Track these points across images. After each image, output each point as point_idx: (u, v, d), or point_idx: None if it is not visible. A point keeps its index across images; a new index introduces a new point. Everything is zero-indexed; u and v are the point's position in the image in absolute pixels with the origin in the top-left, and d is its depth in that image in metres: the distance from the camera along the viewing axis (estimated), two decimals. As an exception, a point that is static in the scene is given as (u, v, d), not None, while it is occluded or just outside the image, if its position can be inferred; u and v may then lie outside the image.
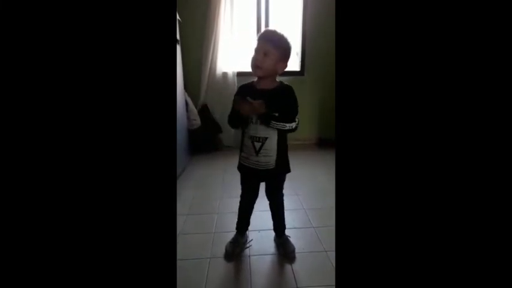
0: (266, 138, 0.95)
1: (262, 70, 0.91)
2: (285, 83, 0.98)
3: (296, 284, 0.96)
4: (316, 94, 2.60)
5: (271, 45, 0.89)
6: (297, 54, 2.58)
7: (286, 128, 0.93)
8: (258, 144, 0.96)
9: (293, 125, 0.94)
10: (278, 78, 0.98)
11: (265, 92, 0.94)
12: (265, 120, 0.92)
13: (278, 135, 0.96)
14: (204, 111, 2.40)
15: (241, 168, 1.05)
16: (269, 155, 0.97)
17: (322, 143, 2.67)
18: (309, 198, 1.58)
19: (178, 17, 1.93)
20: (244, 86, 1.00)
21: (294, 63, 2.61)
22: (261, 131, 0.94)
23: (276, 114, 0.91)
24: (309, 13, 2.44)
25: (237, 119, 0.97)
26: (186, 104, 2.14)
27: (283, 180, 1.09)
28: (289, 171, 1.05)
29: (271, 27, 2.46)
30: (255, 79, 0.98)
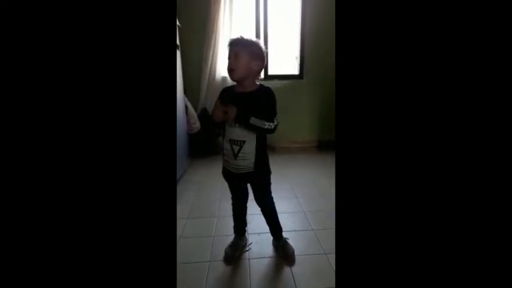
0: (244, 141, 0.95)
1: (237, 72, 0.93)
2: (272, 86, 0.99)
3: (296, 286, 0.96)
4: (316, 97, 2.61)
5: (239, 46, 0.92)
6: (296, 58, 2.60)
7: (265, 127, 0.92)
8: (236, 148, 0.96)
9: (271, 125, 0.93)
10: (273, 84, 1.00)
11: (244, 95, 0.95)
12: (243, 120, 0.92)
13: (256, 139, 0.96)
14: (204, 115, 2.41)
15: (224, 172, 1.06)
16: (247, 158, 0.97)
17: (321, 146, 2.68)
18: (308, 200, 1.58)
19: (178, 22, 1.96)
20: (226, 89, 1.03)
21: (293, 67, 2.63)
22: (239, 134, 0.95)
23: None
24: (308, 17, 2.47)
25: (213, 124, 0.99)
26: (186, 108, 2.15)
27: (267, 183, 1.08)
28: (268, 172, 1.05)
29: (269, 32, 2.49)
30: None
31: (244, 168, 0.98)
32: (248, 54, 0.92)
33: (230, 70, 0.93)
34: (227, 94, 0.99)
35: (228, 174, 1.04)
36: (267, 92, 0.96)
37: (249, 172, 0.98)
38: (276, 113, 0.95)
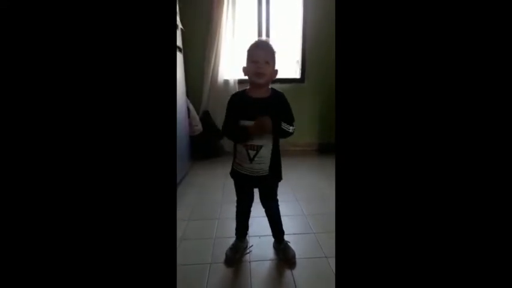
0: (261, 146, 0.96)
1: (266, 77, 0.94)
2: (279, 90, 1.02)
3: (296, 289, 0.96)
4: (317, 101, 2.62)
5: (270, 54, 0.95)
6: (297, 62, 2.62)
7: (290, 131, 0.98)
8: (252, 152, 0.97)
9: (293, 128, 1.00)
10: (274, 87, 1.02)
11: (262, 101, 0.97)
12: (277, 129, 0.95)
13: (273, 143, 0.99)
14: (206, 118, 2.42)
15: (234, 174, 1.06)
16: (263, 162, 0.99)
17: (322, 149, 2.68)
18: (309, 204, 1.58)
19: (181, 25, 1.97)
20: (238, 95, 1.01)
21: (294, 71, 2.65)
22: (256, 139, 0.96)
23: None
24: (309, 21, 2.49)
25: (242, 137, 0.97)
26: (188, 110, 2.17)
27: (276, 186, 1.10)
28: (280, 179, 1.06)
29: (271, 35, 2.51)
30: (247, 87, 1.01)
31: (260, 172, 0.99)
32: (274, 62, 0.96)
33: (260, 74, 0.93)
34: (242, 100, 0.98)
35: (239, 177, 1.04)
36: (283, 98, 1.00)
37: (264, 175, 1.00)
38: (294, 117, 1.01)
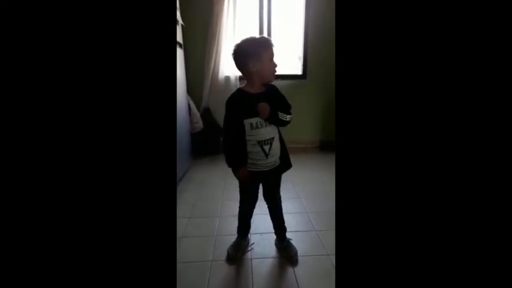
0: (273, 138, 0.98)
1: None
2: (283, 86, 1.04)
3: (298, 287, 0.96)
4: (318, 97, 2.60)
5: None
6: (299, 58, 2.60)
7: (286, 119, 0.98)
8: (267, 147, 0.98)
9: (290, 116, 0.99)
10: (276, 84, 1.03)
11: (262, 95, 0.97)
12: (272, 116, 0.96)
13: (278, 133, 1.02)
14: (207, 115, 2.41)
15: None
16: (275, 153, 1.01)
17: (324, 146, 2.67)
18: (311, 201, 1.58)
19: (181, 21, 1.95)
20: (237, 96, 0.98)
21: (296, 67, 2.62)
22: (268, 133, 0.97)
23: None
24: (311, 17, 2.46)
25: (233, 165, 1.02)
26: (189, 107, 2.15)
27: (280, 178, 1.11)
28: (290, 165, 1.08)
29: (273, 31, 2.48)
30: (243, 85, 1.00)
31: (274, 164, 1.01)
32: None
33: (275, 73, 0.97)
34: (242, 99, 0.97)
35: (254, 176, 1.02)
36: (276, 88, 1.02)
37: (275, 167, 1.02)
38: (289, 104, 1.01)
